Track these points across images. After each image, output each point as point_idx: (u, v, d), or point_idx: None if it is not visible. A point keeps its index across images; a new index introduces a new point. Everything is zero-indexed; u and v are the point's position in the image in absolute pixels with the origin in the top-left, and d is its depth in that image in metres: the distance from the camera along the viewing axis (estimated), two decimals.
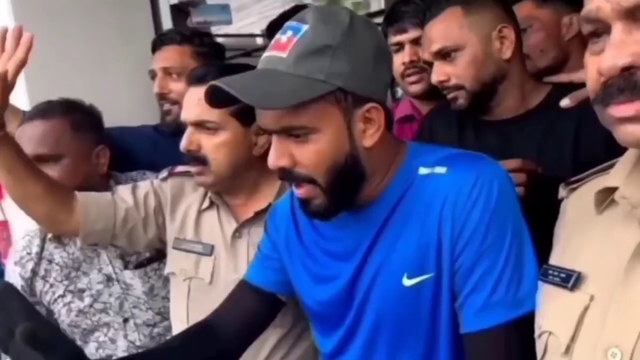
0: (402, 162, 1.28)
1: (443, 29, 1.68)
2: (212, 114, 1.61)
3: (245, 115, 1.56)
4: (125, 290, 2.02)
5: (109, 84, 2.72)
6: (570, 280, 0.94)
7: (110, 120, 2.21)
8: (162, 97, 2.28)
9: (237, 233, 1.76)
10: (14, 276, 2.05)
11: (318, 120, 1.16)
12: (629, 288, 0.84)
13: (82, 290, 2.03)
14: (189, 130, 1.69)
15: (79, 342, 2.02)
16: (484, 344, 1.18)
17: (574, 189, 1.07)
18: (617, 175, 0.92)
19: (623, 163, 0.93)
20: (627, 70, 0.77)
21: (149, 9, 2.98)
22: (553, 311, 0.98)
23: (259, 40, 4.48)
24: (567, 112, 1.55)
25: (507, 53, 1.67)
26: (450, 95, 1.73)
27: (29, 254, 2.06)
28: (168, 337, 1.88)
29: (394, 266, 1.25)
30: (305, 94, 1.13)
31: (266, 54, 1.21)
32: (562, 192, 1.09)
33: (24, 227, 2.13)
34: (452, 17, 1.67)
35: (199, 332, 1.47)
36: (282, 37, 1.18)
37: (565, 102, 1.53)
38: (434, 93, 1.95)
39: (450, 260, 1.20)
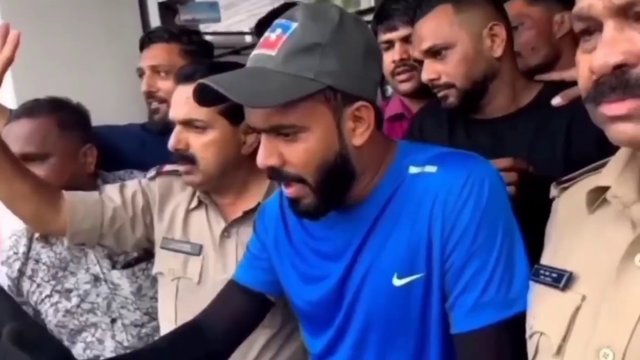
0: (392, 161, 1.28)
1: (433, 26, 1.68)
2: (201, 113, 1.60)
3: (234, 113, 1.55)
4: (113, 290, 2.01)
5: (97, 82, 2.72)
6: (561, 280, 0.94)
7: (98, 118, 2.20)
8: (150, 95, 2.27)
9: (225, 233, 1.76)
10: (1, 276, 2.03)
11: (307, 118, 1.16)
12: (621, 288, 0.83)
13: (70, 290, 2.02)
14: (177, 128, 1.68)
15: (66, 343, 2.02)
16: (474, 345, 1.17)
17: (565, 188, 1.06)
18: (609, 174, 0.92)
19: (615, 162, 0.93)
20: (619, 68, 0.76)
21: (136, 6, 2.97)
22: (544, 311, 0.97)
23: (248, 38, 4.47)
24: (559, 111, 1.54)
25: (498, 51, 1.66)
26: (440, 94, 1.72)
27: (15, 253, 2.05)
28: (156, 338, 1.86)
29: (384, 266, 1.24)
30: (294, 93, 1.12)
31: (255, 52, 1.20)
32: (553, 191, 1.08)
33: (10, 227, 2.12)
34: (442, 14, 1.67)
35: (187, 332, 1.46)
36: (271, 35, 1.18)
37: (556, 101, 1.52)
38: (424, 91, 1.94)
39: (440, 260, 1.20)
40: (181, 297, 1.78)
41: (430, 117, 1.89)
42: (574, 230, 0.98)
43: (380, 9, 2.26)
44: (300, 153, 1.18)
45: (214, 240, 1.77)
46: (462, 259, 1.17)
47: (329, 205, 1.25)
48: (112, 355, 1.98)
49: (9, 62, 1.55)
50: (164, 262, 1.82)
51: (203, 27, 3.74)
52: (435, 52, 1.68)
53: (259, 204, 1.62)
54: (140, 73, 2.29)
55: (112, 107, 2.64)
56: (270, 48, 1.16)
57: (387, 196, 1.25)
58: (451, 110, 1.74)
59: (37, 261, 2.04)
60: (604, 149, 0.92)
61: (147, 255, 1.99)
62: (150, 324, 2.03)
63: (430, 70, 1.70)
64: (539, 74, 1.87)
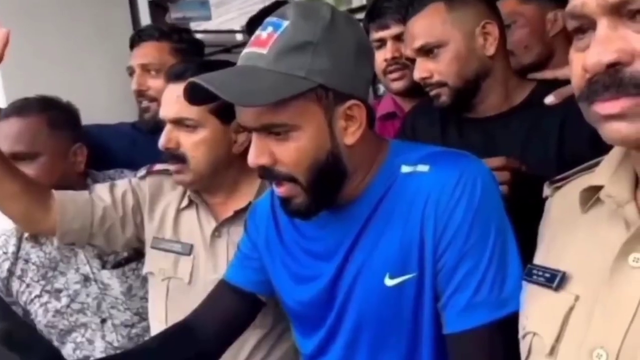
0: (384, 160, 1.27)
1: (426, 25, 1.67)
2: (191, 112, 1.59)
3: (224, 112, 1.54)
4: (103, 290, 2.00)
5: (87, 81, 2.71)
6: (554, 280, 0.93)
7: (88, 117, 2.19)
8: (141, 94, 2.25)
9: (216, 232, 1.75)
10: None
11: (298, 117, 1.15)
12: (615, 288, 0.83)
13: (59, 291, 2.01)
14: (168, 127, 1.67)
15: (55, 343, 2.01)
16: (467, 345, 1.17)
17: (558, 188, 1.06)
18: (602, 173, 0.92)
19: (608, 161, 0.92)
20: (613, 66, 0.76)
21: (126, 4, 2.97)
22: (537, 311, 0.97)
23: (239, 37, 4.48)
24: (552, 110, 1.54)
25: (491, 49, 1.66)
26: (432, 92, 1.71)
27: (5, 253, 2.04)
28: (146, 338, 1.86)
29: (376, 266, 1.23)
30: (285, 91, 1.12)
31: (246, 50, 1.19)
32: (546, 190, 1.08)
33: None
34: (434, 12, 1.66)
35: (177, 332, 1.46)
36: (262, 33, 1.17)
37: (549, 99, 1.52)
38: (416, 90, 1.93)
39: (433, 259, 1.19)
40: (172, 297, 1.77)
41: (423, 116, 1.89)
42: (567, 229, 0.97)
43: (372, 7, 2.25)
44: (291, 152, 1.17)
45: (204, 240, 1.76)
46: (455, 258, 1.17)
47: (320, 204, 1.24)
48: (102, 355, 1.97)
49: None
50: (154, 262, 1.82)
51: (194, 25, 3.73)
52: (427, 51, 1.67)
53: (250, 203, 1.61)
54: (131, 71, 2.27)
55: (102, 105, 2.63)
56: (261, 46, 1.15)
57: (379, 195, 1.25)
58: (443, 109, 1.73)
59: (26, 261, 2.03)
60: (597, 147, 0.92)
61: (137, 255, 1.98)
62: (140, 324, 2.02)
63: (422, 69, 1.69)
64: (532, 72, 1.87)
